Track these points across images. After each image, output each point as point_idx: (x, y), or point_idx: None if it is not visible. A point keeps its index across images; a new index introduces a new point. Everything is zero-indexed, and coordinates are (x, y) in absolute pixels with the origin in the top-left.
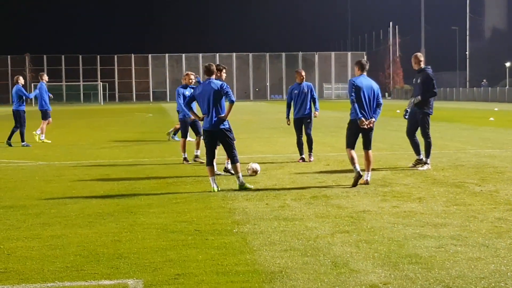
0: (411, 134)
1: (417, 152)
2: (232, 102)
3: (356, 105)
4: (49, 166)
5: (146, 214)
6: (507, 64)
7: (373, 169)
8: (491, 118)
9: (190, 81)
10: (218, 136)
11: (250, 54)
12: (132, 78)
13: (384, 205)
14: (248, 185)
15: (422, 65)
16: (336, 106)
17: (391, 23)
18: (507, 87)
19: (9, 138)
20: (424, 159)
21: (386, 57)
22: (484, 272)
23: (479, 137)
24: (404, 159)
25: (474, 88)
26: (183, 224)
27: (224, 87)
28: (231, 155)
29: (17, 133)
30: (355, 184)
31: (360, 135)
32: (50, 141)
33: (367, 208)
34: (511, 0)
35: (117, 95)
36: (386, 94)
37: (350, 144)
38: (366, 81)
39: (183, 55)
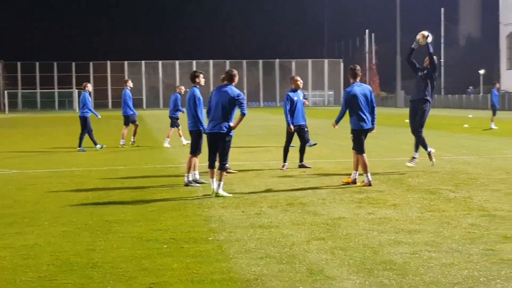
0: (415, 132)
1: (425, 147)
2: (243, 115)
3: (342, 115)
4: (23, 174)
5: (121, 222)
6: (481, 72)
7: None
8: (466, 125)
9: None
10: (220, 140)
11: (227, 61)
12: (108, 85)
13: (359, 212)
14: (223, 194)
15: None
16: (313, 114)
17: (367, 30)
18: (481, 94)
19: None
20: (414, 153)
21: (363, 65)
22: (457, 278)
23: (454, 143)
24: (380, 166)
25: (449, 95)
26: (158, 232)
27: (240, 97)
28: (224, 160)
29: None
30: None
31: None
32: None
33: (342, 215)
34: (485, 8)
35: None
36: None
37: (361, 150)
38: (359, 89)
39: (160, 62)
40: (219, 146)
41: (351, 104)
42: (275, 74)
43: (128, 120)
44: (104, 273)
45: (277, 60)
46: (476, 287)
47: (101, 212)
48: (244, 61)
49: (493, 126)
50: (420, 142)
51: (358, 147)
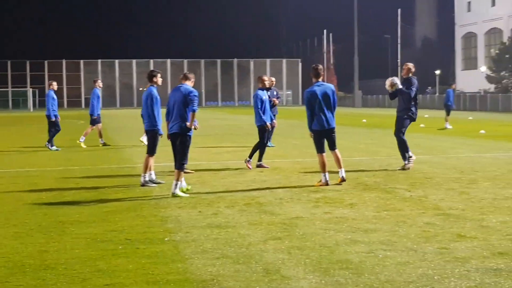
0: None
1: (406, 150)
2: (192, 111)
3: (310, 117)
4: None
5: (75, 223)
6: (437, 72)
7: (320, 172)
8: (422, 125)
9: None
10: (178, 139)
11: (185, 61)
12: (63, 84)
13: (316, 211)
14: (180, 194)
15: (410, 75)
16: None
17: (325, 30)
18: (437, 94)
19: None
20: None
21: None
22: (412, 276)
23: (410, 143)
24: (335, 166)
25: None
26: (113, 233)
27: (191, 94)
28: (182, 160)
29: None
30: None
31: (325, 139)
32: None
33: (299, 214)
34: (441, 10)
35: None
36: None
37: (320, 150)
38: (320, 88)
39: (116, 61)
40: (177, 146)
41: (312, 104)
42: (233, 74)
43: (95, 120)
44: (57, 275)
45: (235, 60)
46: (431, 285)
47: (55, 213)
48: (202, 61)
49: (448, 126)
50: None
51: (317, 147)
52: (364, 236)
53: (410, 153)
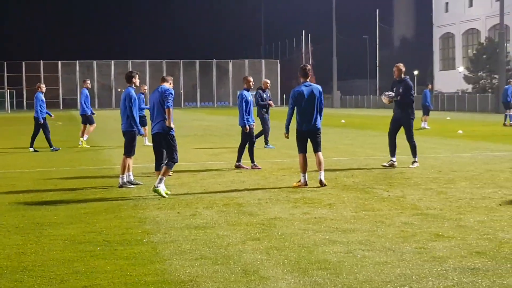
0: (392, 136)
1: (392, 154)
2: (167, 108)
3: (290, 115)
4: None
5: (53, 225)
6: (415, 72)
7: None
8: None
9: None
10: (163, 139)
11: (164, 61)
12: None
13: (295, 212)
14: (161, 191)
15: (403, 76)
16: None
17: (303, 31)
18: (415, 94)
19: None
20: (413, 158)
21: (299, 65)
22: (390, 276)
23: (388, 143)
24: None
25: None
26: (91, 234)
27: (167, 92)
28: (171, 159)
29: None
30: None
31: (309, 140)
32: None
33: (278, 215)
34: (419, 10)
35: (25, 103)
36: None
37: (301, 150)
38: (307, 89)
39: (95, 61)
40: (163, 145)
41: (297, 104)
42: (212, 75)
43: (87, 119)
44: (35, 277)
45: (214, 61)
46: (409, 285)
47: (33, 215)
48: (181, 61)
49: (426, 126)
50: (391, 146)
51: (299, 147)
52: (342, 236)
53: (395, 159)
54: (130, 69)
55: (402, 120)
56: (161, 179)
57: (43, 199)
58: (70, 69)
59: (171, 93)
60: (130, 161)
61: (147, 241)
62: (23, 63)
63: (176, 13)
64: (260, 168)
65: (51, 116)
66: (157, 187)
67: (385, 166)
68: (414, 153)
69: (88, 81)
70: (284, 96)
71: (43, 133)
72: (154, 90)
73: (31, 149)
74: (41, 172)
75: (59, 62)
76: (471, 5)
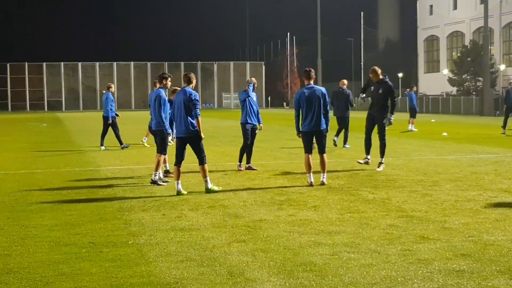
0: (368, 134)
1: (367, 152)
2: (196, 118)
3: (297, 117)
4: None
5: (38, 227)
6: (400, 75)
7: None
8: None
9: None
10: (189, 141)
11: (149, 63)
12: (25, 87)
13: (280, 214)
14: (216, 189)
15: (381, 77)
16: (235, 116)
17: (288, 33)
18: (400, 96)
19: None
20: (380, 159)
21: (284, 67)
22: (376, 278)
23: (373, 145)
24: (301, 168)
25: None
26: (77, 236)
27: (193, 100)
28: (201, 158)
29: None
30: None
31: (315, 141)
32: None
33: (263, 217)
34: (404, 13)
35: (9, 105)
36: (284, 103)
37: (306, 150)
38: (309, 91)
39: (79, 63)
40: (192, 147)
41: (300, 106)
42: (197, 77)
43: (113, 124)
44: (20, 279)
45: (199, 63)
46: (394, 287)
47: (18, 217)
48: (166, 63)
49: (413, 128)
50: (367, 145)
51: (305, 147)
52: (327, 238)
53: (370, 156)
54: (115, 71)
55: (376, 119)
56: (206, 181)
57: (28, 201)
58: (54, 71)
59: (198, 100)
60: (164, 158)
61: (133, 243)
62: (8, 64)
63: (161, 15)
64: (242, 170)
65: (118, 116)
66: (209, 188)
67: (360, 163)
68: (382, 153)
69: (112, 85)
70: (269, 98)
71: (113, 131)
72: (178, 92)
73: (102, 148)
74: (26, 174)
75: (44, 63)
76: (455, 7)
